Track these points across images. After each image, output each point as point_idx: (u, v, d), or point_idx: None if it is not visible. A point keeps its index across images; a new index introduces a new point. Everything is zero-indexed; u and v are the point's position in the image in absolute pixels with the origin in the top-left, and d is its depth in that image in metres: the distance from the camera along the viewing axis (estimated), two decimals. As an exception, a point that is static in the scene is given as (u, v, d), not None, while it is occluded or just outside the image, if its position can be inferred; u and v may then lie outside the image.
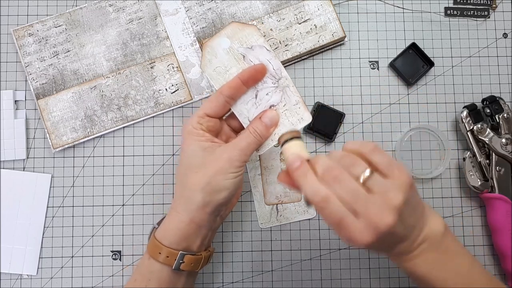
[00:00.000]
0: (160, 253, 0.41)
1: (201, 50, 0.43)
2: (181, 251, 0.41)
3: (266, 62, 0.43)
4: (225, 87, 0.42)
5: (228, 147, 0.41)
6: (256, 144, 0.42)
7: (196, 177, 0.41)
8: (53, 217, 0.53)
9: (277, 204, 0.53)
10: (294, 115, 0.43)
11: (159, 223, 0.44)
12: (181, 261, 0.41)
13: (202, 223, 0.42)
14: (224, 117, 0.46)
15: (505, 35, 0.57)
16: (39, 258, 0.52)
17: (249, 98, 0.43)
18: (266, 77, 0.43)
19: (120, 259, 0.53)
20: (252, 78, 0.43)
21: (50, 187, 0.53)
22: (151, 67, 0.54)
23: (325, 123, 0.53)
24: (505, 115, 0.53)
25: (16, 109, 0.54)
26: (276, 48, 0.54)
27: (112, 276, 0.52)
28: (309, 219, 0.53)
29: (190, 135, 0.42)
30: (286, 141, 0.39)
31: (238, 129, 0.46)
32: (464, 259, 0.40)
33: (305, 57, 0.55)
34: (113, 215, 0.53)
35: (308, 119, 0.43)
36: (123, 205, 0.53)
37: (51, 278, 0.52)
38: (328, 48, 0.56)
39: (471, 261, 0.40)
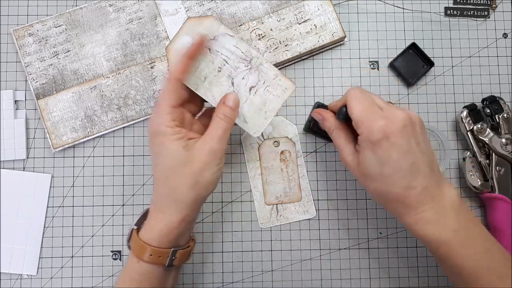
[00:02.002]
0: (151, 254, 0.41)
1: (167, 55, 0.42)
2: (172, 249, 0.41)
3: (232, 49, 0.43)
4: (177, 72, 0.41)
5: (206, 140, 0.41)
6: (230, 128, 0.42)
7: (183, 177, 0.40)
8: (53, 217, 0.53)
9: (277, 204, 0.53)
10: (277, 88, 0.44)
11: (138, 224, 0.44)
12: (173, 258, 0.42)
13: (192, 219, 0.42)
14: (196, 117, 0.46)
15: (505, 35, 0.57)
16: (39, 258, 0.52)
17: (226, 88, 0.43)
18: (237, 63, 0.43)
19: (120, 259, 0.53)
20: (197, 51, 0.42)
21: (50, 187, 0.53)
22: (151, 67, 0.54)
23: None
24: (505, 115, 0.53)
25: (16, 109, 0.54)
26: (276, 48, 0.54)
27: (112, 276, 0.52)
28: (309, 219, 0.53)
29: (167, 136, 0.40)
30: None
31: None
32: (482, 229, 0.41)
33: (305, 57, 0.55)
34: (113, 215, 0.53)
35: (291, 87, 0.44)
36: (123, 205, 0.53)
37: (51, 278, 0.52)
38: (328, 48, 0.56)
39: (489, 235, 0.41)
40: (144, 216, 0.44)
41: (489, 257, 0.40)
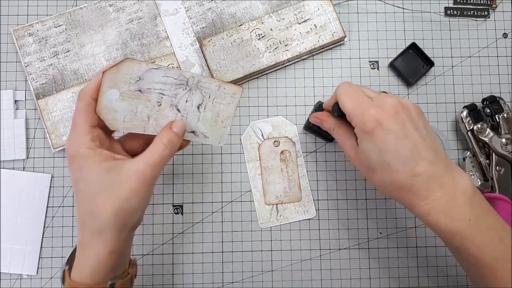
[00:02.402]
0: None
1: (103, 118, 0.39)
2: (109, 282, 0.38)
3: (163, 79, 0.41)
4: (90, 90, 0.38)
5: (139, 163, 0.37)
6: (170, 156, 0.39)
7: (107, 204, 0.36)
8: (53, 217, 0.53)
9: (277, 204, 0.53)
10: (225, 96, 0.43)
11: (68, 262, 0.40)
12: None
13: (122, 249, 0.39)
14: (114, 136, 0.42)
15: (505, 35, 0.57)
16: (39, 258, 0.52)
17: (174, 117, 0.41)
18: (174, 90, 0.41)
19: (120, 259, 0.52)
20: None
21: (50, 187, 0.53)
22: (151, 67, 0.54)
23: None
24: (505, 115, 0.53)
25: (16, 109, 0.54)
26: (276, 48, 0.54)
27: (112, 276, 0.52)
28: (309, 219, 0.53)
29: (87, 158, 0.36)
30: None
31: (135, 150, 0.42)
32: (496, 218, 0.40)
33: (305, 57, 0.55)
34: (113, 215, 0.53)
35: (239, 90, 0.43)
36: (123, 205, 0.53)
37: (51, 278, 0.52)
38: (328, 48, 0.56)
39: (503, 223, 0.40)
40: (74, 253, 0.40)
41: (504, 246, 0.38)
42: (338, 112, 0.43)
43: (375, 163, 0.40)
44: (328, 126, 0.46)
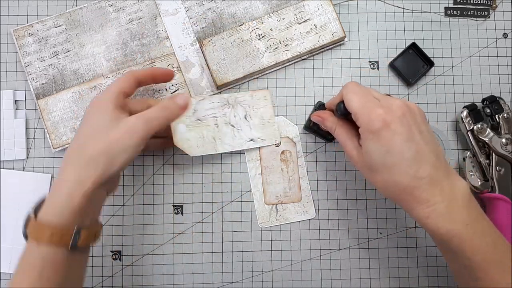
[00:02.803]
0: (52, 234, 0.37)
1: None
2: (75, 225, 0.38)
3: (210, 105, 0.51)
4: (140, 73, 0.45)
5: (133, 117, 0.41)
6: (164, 119, 0.43)
7: (95, 144, 0.40)
8: (53, 217, 0.53)
9: (277, 204, 0.53)
10: (259, 101, 0.52)
11: (35, 208, 0.40)
12: (77, 238, 0.38)
13: (94, 196, 0.40)
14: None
15: (505, 35, 0.57)
16: (39, 258, 0.52)
17: (232, 132, 0.51)
18: (222, 111, 0.51)
19: (120, 259, 0.52)
20: (162, 76, 0.48)
21: (50, 187, 0.53)
22: (151, 67, 0.54)
23: None
24: (505, 115, 0.53)
25: (16, 109, 0.54)
26: (276, 48, 0.54)
27: (112, 276, 0.52)
28: (309, 220, 0.53)
29: (100, 107, 0.42)
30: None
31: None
32: (489, 223, 0.41)
33: (305, 57, 0.55)
34: (113, 215, 0.53)
35: (266, 92, 0.53)
36: (123, 205, 0.53)
37: (51, 278, 0.52)
38: (328, 48, 0.56)
39: (495, 228, 0.41)
40: (43, 201, 0.40)
41: (498, 251, 0.39)
42: (342, 111, 0.43)
43: (378, 163, 0.40)
44: (330, 125, 0.46)
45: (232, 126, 0.51)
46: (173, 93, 0.54)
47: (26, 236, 0.39)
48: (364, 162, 0.41)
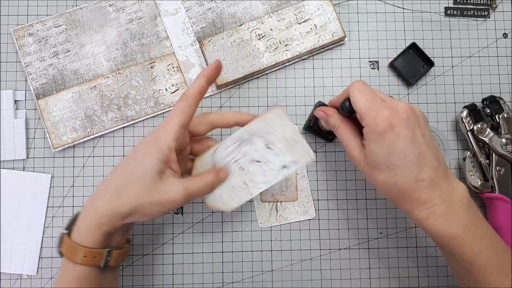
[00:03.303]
0: (85, 256, 0.40)
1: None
2: (107, 248, 0.41)
3: (227, 152, 0.45)
4: (192, 93, 0.42)
5: (179, 185, 0.40)
6: (202, 193, 0.42)
7: (136, 196, 0.39)
8: (53, 217, 0.53)
9: (273, 203, 0.53)
10: (275, 123, 0.44)
11: (68, 228, 0.42)
12: (108, 258, 0.41)
13: (122, 228, 0.42)
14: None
15: (505, 35, 0.57)
16: (39, 258, 0.52)
17: (259, 169, 0.44)
18: (240, 150, 0.44)
19: (120, 259, 0.52)
20: (214, 74, 0.43)
21: (50, 187, 0.53)
22: (151, 67, 0.54)
23: None
24: (505, 115, 0.53)
25: (16, 109, 0.54)
26: (276, 48, 0.54)
27: (112, 276, 0.52)
28: (309, 220, 0.53)
29: (158, 150, 0.40)
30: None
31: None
32: (488, 226, 0.41)
33: (305, 57, 0.55)
34: (113, 215, 0.53)
35: (278, 109, 0.45)
36: (123, 205, 0.53)
37: (51, 278, 0.52)
38: (328, 48, 0.56)
39: (494, 231, 0.42)
40: (74, 220, 0.42)
41: (497, 254, 0.40)
42: (347, 109, 0.42)
43: (381, 164, 0.40)
44: (333, 122, 0.45)
45: (258, 161, 0.44)
46: (173, 93, 0.54)
47: (61, 254, 0.42)
48: (366, 162, 0.41)
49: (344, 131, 0.44)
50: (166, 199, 0.40)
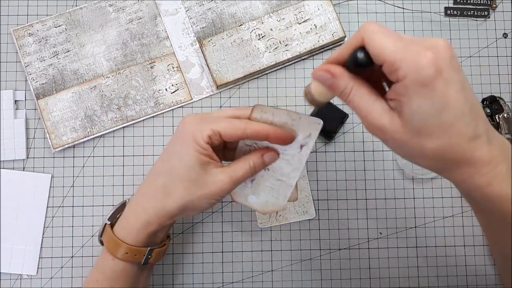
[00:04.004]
0: (126, 252, 0.40)
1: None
2: (149, 248, 0.41)
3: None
4: (252, 131, 0.39)
5: (224, 174, 0.39)
6: (247, 177, 0.41)
7: (185, 192, 0.39)
8: (53, 217, 0.53)
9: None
10: (274, 118, 0.42)
11: (111, 219, 0.43)
12: (149, 256, 0.42)
13: (168, 227, 0.43)
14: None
15: (505, 35, 0.57)
16: (39, 258, 0.52)
17: (284, 162, 0.42)
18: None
19: (120, 259, 0.52)
20: (277, 140, 0.40)
21: (50, 187, 0.53)
22: (151, 67, 0.54)
23: (326, 122, 0.53)
24: (505, 115, 0.53)
25: (16, 109, 0.54)
26: (276, 48, 0.54)
27: (112, 276, 0.52)
28: (309, 220, 0.53)
29: (193, 143, 0.38)
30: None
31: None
32: None
33: (305, 57, 0.55)
34: (113, 215, 0.53)
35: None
36: (123, 205, 0.53)
37: (51, 278, 0.52)
38: (328, 48, 0.56)
39: None
40: (118, 210, 0.43)
41: None
42: (363, 61, 0.31)
43: (431, 125, 0.30)
44: (343, 84, 0.33)
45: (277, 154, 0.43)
46: (173, 93, 0.54)
47: (101, 242, 0.43)
48: (407, 129, 0.31)
49: (361, 94, 0.33)
50: (214, 191, 0.39)
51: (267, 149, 0.41)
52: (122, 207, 0.44)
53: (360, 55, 0.31)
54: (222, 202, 0.53)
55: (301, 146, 0.42)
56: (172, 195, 0.39)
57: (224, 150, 0.44)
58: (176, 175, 0.39)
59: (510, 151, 0.32)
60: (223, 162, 0.42)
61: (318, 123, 0.40)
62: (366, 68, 0.32)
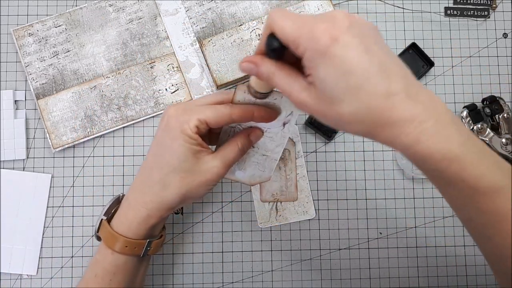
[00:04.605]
0: (126, 246, 0.41)
1: None
2: (148, 240, 0.42)
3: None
4: (237, 115, 0.39)
5: (216, 160, 0.40)
6: (238, 159, 0.42)
7: (181, 183, 0.40)
8: (53, 217, 0.53)
9: (273, 202, 0.53)
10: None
11: (106, 214, 0.43)
12: (148, 248, 0.43)
13: (167, 216, 0.44)
14: None
15: (505, 35, 0.57)
16: (39, 258, 0.52)
17: (268, 139, 0.44)
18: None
19: (120, 259, 0.52)
20: (261, 119, 0.41)
21: (50, 187, 0.53)
22: (151, 67, 0.54)
23: None
24: (505, 115, 0.53)
25: (16, 109, 0.54)
26: (276, 48, 0.54)
27: (112, 276, 0.52)
28: (309, 220, 0.53)
29: (182, 135, 0.39)
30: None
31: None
32: (484, 143, 0.34)
33: (305, 57, 0.55)
34: (113, 215, 0.53)
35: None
36: (123, 205, 0.53)
37: (51, 278, 0.52)
38: (328, 48, 0.56)
39: (493, 152, 0.35)
40: (113, 205, 0.44)
41: (503, 172, 0.33)
42: (275, 46, 0.33)
43: (341, 90, 0.31)
44: (266, 70, 0.35)
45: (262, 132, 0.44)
46: (173, 93, 0.54)
47: (98, 238, 0.43)
48: (321, 100, 0.33)
49: (281, 76, 0.34)
50: (210, 177, 0.40)
51: (251, 129, 0.43)
52: (116, 201, 0.44)
53: (269, 41, 0.33)
54: (222, 202, 0.53)
55: (284, 124, 0.43)
56: (170, 188, 0.40)
57: (209, 134, 0.44)
58: (171, 169, 0.40)
59: (439, 106, 0.32)
60: (209, 146, 0.43)
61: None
62: (280, 52, 0.34)
